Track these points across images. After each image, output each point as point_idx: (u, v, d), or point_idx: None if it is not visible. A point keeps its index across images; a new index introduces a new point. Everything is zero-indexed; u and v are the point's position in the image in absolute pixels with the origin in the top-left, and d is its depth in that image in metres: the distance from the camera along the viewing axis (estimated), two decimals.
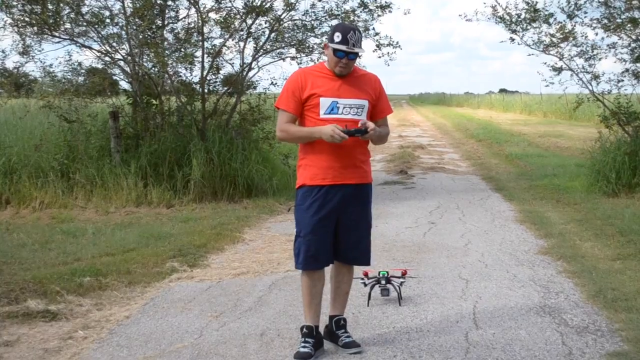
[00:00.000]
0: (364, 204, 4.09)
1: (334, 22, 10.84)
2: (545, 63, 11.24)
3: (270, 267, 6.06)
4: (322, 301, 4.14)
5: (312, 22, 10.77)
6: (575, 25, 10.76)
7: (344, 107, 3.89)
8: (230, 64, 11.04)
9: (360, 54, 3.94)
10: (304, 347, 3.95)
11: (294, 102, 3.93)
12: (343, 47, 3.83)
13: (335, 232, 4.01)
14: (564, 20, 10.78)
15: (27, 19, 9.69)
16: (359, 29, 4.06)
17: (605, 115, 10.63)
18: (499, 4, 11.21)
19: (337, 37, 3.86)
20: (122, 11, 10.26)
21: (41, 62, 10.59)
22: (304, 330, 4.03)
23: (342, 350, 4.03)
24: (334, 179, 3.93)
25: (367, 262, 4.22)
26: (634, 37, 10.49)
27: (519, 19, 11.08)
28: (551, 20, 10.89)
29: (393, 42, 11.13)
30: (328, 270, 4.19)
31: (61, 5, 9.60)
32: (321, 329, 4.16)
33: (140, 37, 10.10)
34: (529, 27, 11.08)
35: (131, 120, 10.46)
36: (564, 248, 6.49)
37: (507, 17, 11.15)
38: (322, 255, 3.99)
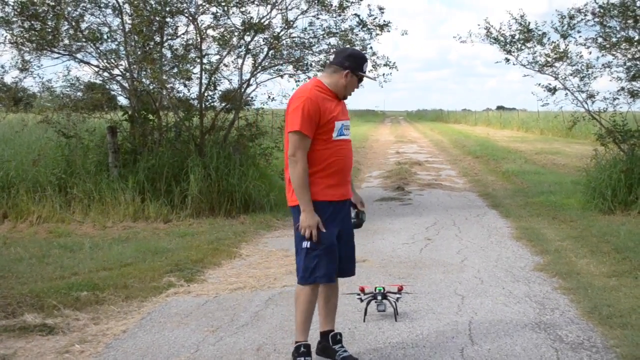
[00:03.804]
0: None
1: (332, 40, 10.87)
2: (539, 84, 11.31)
3: (267, 282, 6.08)
4: None
5: (310, 39, 10.81)
6: (568, 45, 10.87)
7: (345, 128, 4.01)
8: (228, 80, 11.10)
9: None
10: None
11: (314, 127, 3.87)
12: (371, 76, 3.97)
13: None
14: (558, 40, 10.90)
15: (26, 35, 9.75)
16: None
17: (601, 134, 10.69)
18: (492, 25, 11.33)
19: (366, 66, 4.12)
20: (121, 27, 10.33)
21: (40, 77, 10.68)
22: (302, 349, 3.95)
23: None
24: (347, 194, 4.08)
25: (354, 272, 4.24)
26: (629, 55, 10.58)
27: (513, 40, 11.16)
28: (545, 40, 10.99)
29: (390, 62, 11.13)
30: None
31: (60, 21, 9.66)
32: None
33: (139, 53, 10.17)
34: (523, 47, 11.17)
35: (129, 135, 10.49)
36: (560, 265, 6.52)
37: (502, 38, 11.25)
38: (336, 267, 4.02)
